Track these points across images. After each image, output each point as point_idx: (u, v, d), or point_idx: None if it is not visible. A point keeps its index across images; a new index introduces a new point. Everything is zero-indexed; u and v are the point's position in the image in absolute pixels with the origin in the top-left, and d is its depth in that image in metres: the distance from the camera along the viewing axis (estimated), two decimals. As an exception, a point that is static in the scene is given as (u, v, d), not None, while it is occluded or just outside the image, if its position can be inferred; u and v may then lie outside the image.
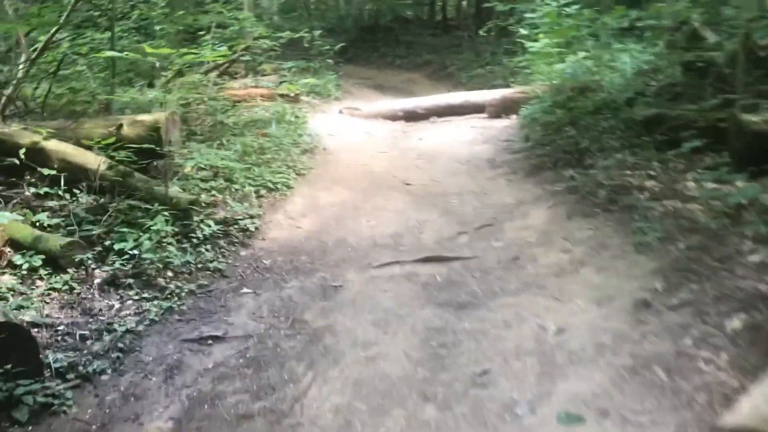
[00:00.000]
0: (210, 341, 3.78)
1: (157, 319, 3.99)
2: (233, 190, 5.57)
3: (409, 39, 15.38)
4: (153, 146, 5.34)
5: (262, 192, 5.78)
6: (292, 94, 9.40)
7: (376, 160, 7.25)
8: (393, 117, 9.42)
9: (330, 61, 11.08)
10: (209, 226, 4.91)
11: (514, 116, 8.62)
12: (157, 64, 6.23)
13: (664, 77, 7.49)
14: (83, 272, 4.30)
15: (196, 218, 4.96)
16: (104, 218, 4.79)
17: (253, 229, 5.18)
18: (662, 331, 3.29)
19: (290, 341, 3.73)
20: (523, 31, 8.62)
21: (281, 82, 10.12)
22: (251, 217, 5.31)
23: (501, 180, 6.24)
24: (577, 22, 7.75)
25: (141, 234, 4.63)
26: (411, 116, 9.45)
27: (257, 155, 6.44)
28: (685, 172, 5.31)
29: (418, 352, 3.49)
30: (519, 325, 3.63)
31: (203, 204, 5.20)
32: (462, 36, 14.47)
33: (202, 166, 5.57)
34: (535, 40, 8.47)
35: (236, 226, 5.13)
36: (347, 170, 6.81)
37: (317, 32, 11.63)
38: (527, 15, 8.63)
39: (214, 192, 5.41)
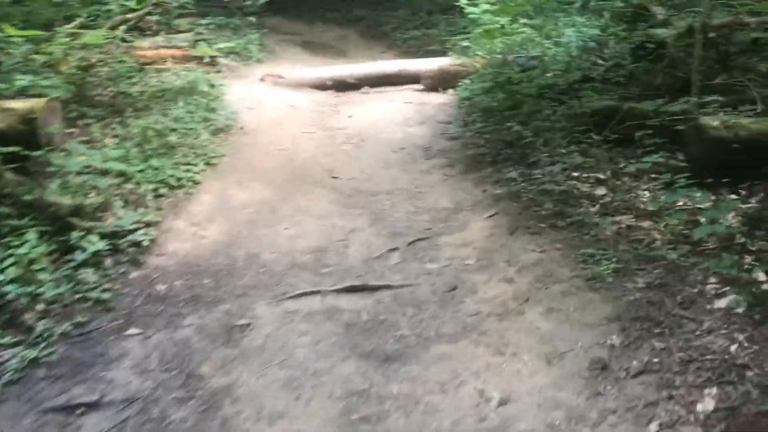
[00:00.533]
0: (81, 409, 3.08)
1: (16, 377, 3.24)
2: (126, 190, 4.73)
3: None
4: (22, 142, 4.45)
5: (162, 191, 4.90)
6: (209, 58, 8.42)
7: (300, 143, 6.47)
8: (321, 86, 8.54)
9: (252, 18, 10.02)
10: (92, 243, 4.11)
11: (451, 91, 7.96)
12: (22, 49, 5.19)
13: (611, 56, 6.98)
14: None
15: (77, 232, 4.15)
16: (-39, 232, 3.95)
17: (147, 242, 4.36)
18: (623, 409, 2.79)
19: (181, 409, 3.07)
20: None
21: (197, 41, 9.08)
22: (147, 225, 4.48)
23: (437, 175, 5.61)
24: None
25: (6, 255, 3.82)
26: (341, 86, 8.59)
27: (159, 140, 5.56)
28: (638, 178, 4.83)
29: (336, 429, 2.89)
30: (456, 390, 3.07)
31: (88, 210, 4.38)
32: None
33: (88, 166, 4.68)
34: (475, 5, 7.79)
35: (127, 240, 4.32)
36: (266, 157, 6.01)
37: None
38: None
39: (102, 195, 4.55)
